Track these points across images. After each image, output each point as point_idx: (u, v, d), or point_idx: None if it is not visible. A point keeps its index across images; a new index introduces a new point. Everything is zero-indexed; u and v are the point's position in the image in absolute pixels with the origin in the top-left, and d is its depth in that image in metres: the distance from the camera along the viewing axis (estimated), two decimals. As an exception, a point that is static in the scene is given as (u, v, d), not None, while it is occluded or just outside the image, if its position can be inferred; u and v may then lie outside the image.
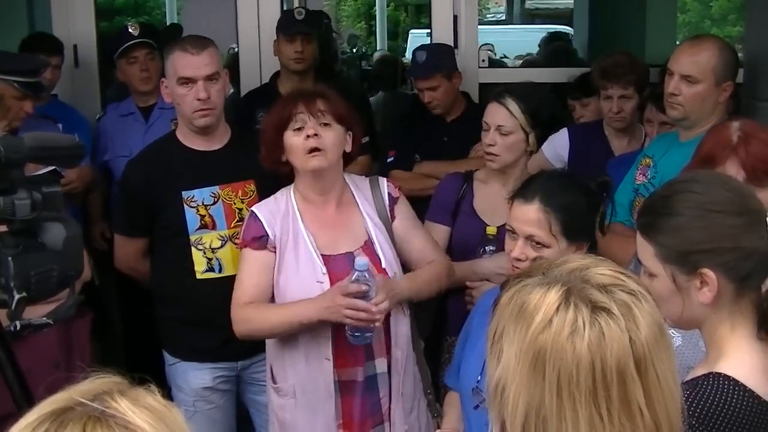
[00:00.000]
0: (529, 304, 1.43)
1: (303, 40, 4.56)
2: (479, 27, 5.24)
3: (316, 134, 2.97)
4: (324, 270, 2.98)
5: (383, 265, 3.03)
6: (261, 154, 3.12)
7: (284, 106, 3.06)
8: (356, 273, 2.83)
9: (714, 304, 1.87)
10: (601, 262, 1.49)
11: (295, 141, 2.99)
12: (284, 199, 3.10)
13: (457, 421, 2.78)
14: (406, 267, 3.18)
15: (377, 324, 2.89)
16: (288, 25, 4.62)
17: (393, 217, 3.14)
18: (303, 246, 3.02)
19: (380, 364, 3.04)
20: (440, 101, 4.50)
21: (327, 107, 3.01)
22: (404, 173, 4.43)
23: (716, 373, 1.82)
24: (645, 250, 1.94)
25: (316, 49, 4.72)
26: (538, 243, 2.61)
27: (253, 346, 3.32)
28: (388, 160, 4.58)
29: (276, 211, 3.07)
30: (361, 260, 2.86)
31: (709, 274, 1.85)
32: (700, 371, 1.86)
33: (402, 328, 3.05)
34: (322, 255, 3.01)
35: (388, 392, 3.05)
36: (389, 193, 3.16)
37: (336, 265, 3.00)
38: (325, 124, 3.00)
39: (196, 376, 3.50)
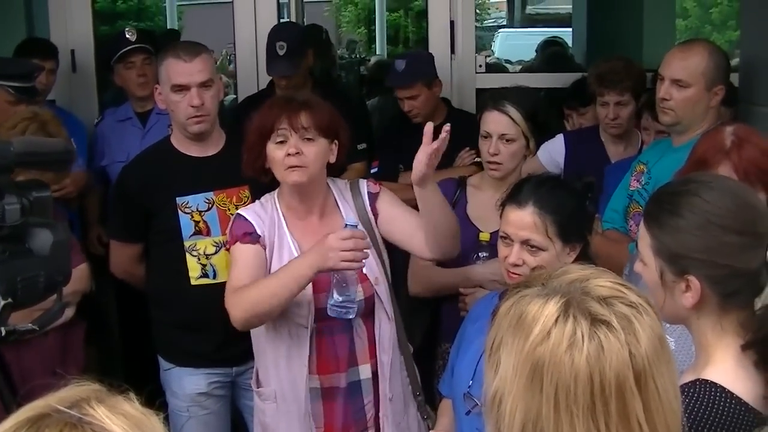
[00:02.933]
0: (528, 315, 1.42)
1: (286, 77, 4.55)
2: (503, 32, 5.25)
3: (297, 152, 2.93)
4: None
5: (364, 270, 2.99)
6: (243, 161, 3.07)
7: (267, 115, 3.00)
8: (348, 227, 2.83)
9: (696, 310, 1.87)
10: (601, 274, 1.48)
11: (277, 155, 2.95)
12: (269, 205, 3.08)
13: (448, 427, 2.78)
14: (396, 247, 3.17)
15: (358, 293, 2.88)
16: (270, 63, 4.56)
17: (376, 214, 3.10)
18: (287, 251, 3.00)
19: (364, 370, 3.02)
20: (420, 110, 4.49)
21: (310, 121, 2.95)
22: (389, 184, 4.42)
23: (703, 379, 1.82)
24: (643, 237, 1.94)
25: (306, 68, 4.67)
26: (534, 247, 2.61)
27: (248, 352, 3.32)
28: (372, 170, 4.55)
29: (263, 215, 3.05)
30: (352, 219, 2.89)
31: (694, 282, 1.85)
32: (688, 377, 1.85)
33: (386, 332, 3.03)
34: None
35: (373, 398, 3.03)
36: (369, 192, 3.13)
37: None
38: (308, 139, 2.95)
39: (190, 382, 3.50)
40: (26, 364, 3.11)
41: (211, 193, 3.45)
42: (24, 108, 3.83)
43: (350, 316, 2.90)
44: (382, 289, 3.03)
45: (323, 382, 2.99)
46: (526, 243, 2.62)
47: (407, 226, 3.09)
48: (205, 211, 3.44)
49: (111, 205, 3.83)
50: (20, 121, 3.53)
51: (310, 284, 2.89)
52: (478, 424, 2.61)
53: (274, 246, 3.02)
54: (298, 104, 2.99)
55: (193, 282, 3.44)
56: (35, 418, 1.18)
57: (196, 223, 3.44)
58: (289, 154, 2.93)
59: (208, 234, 3.44)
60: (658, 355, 1.40)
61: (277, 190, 3.10)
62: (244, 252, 2.99)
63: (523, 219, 2.62)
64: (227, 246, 3.11)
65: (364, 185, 3.16)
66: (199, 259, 3.44)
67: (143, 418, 1.21)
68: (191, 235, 3.43)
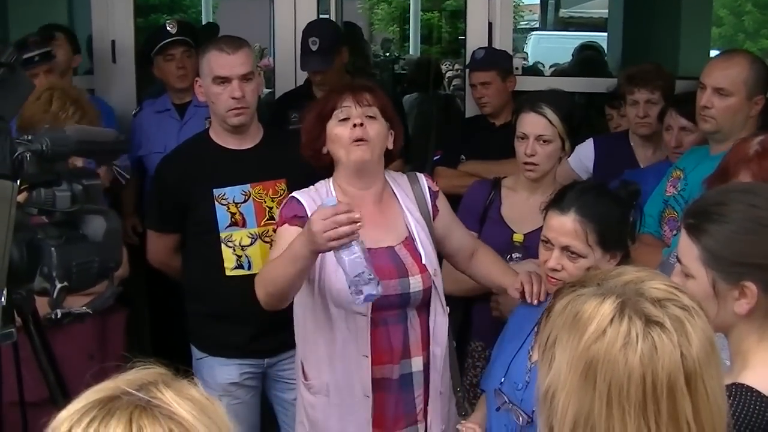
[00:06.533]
0: (584, 313, 1.45)
1: (320, 73, 4.60)
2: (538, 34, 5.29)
3: (362, 124, 2.91)
4: None
5: (423, 261, 2.96)
6: (302, 142, 3.05)
7: (329, 97, 3.02)
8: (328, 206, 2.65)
9: (747, 316, 1.89)
10: (655, 276, 1.52)
11: (339, 131, 2.93)
12: (324, 190, 3.02)
13: (481, 419, 2.81)
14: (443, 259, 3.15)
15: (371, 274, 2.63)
16: (304, 59, 4.63)
17: (436, 212, 3.09)
18: None
19: (416, 363, 2.97)
20: (491, 99, 4.61)
21: (373, 99, 2.97)
22: (448, 170, 4.50)
23: (739, 384, 1.83)
24: (689, 251, 1.94)
25: (341, 63, 4.72)
26: (573, 253, 2.62)
27: (281, 344, 3.36)
28: (435, 158, 4.74)
29: (317, 200, 2.95)
30: (331, 199, 2.71)
31: (752, 287, 1.87)
32: (724, 381, 1.87)
33: (441, 325, 2.99)
34: None
35: (423, 391, 2.99)
36: (429, 188, 3.12)
37: (378, 259, 2.86)
38: (371, 117, 2.94)
39: (222, 372, 3.53)
40: (60, 347, 3.16)
41: (248, 185, 3.48)
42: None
43: (373, 296, 2.63)
44: (439, 281, 3.00)
45: (375, 372, 2.91)
46: (566, 249, 2.63)
47: (457, 243, 3.15)
48: (242, 203, 3.47)
49: (149, 196, 3.87)
50: (43, 92, 3.44)
51: None
52: (506, 421, 2.64)
53: None
54: (361, 86, 3.04)
55: (228, 273, 3.48)
56: (106, 400, 1.20)
57: (233, 214, 3.47)
58: (354, 125, 2.91)
59: (244, 226, 3.47)
60: (708, 358, 1.44)
61: (332, 178, 3.06)
62: (288, 234, 2.90)
63: (565, 225, 2.63)
64: (275, 226, 3.06)
65: (422, 178, 3.15)
66: (234, 251, 3.47)
67: (208, 404, 1.24)
68: (227, 227, 3.47)
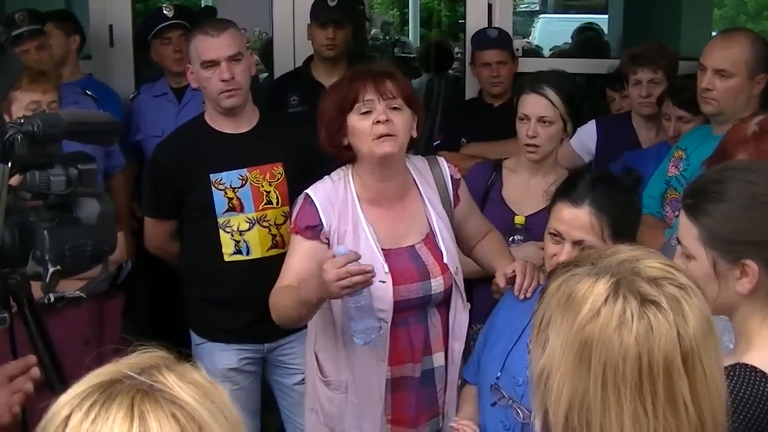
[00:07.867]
0: (578, 293, 1.43)
1: (335, 27, 4.57)
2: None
3: (387, 120, 2.75)
4: (386, 269, 2.78)
5: (445, 260, 2.89)
6: (320, 137, 2.89)
7: (350, 86, 2.82)
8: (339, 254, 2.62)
9: (750, 296, 1.86)
10: (651, 255, 1.49)
11: (362, 125, 2.77)
12: (342, 184, 2.89)
13: (472, 415, 2.71)
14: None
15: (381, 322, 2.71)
16: (320, 12, 4.63)
17: (457, 201, 3.01)
18: (363, 240, 2.82)
19: (438, 358, 2.91)
20: (504, 78, 4.63)
21: (396, 89, 2.79)
22: (450, 153, 4.47)
23: (743, 364, 1.81)
24: (688, 231, 1.92)
25: (349, 35, 4.73)
26: (587, 247, 2.50)
27: (280, 329, 3.34)
28: (435, 143, 4.73)
29: (334, 198, 2.86)
30: (341, 248, 2.66)
31: (752, 265, 1.84)
32: (727, 362, 1.84)
33: (461, 320, 2.93)
34: (382, 249, 2.82)
35: (445, 385, 2.94)
36: (451, 176, 3.01)
37: (397, 261, 2.82)
38: (395, 108, 2.78)
39: (222, 357, 3.51)
40: (55, 332, 3.13)
41: (245, 169, 3.45)
42: None
43: (375, 340, 2.71)
44: (460, 278, 2.94)
45: (394, 372, 2.86)
46: (578, 243, 2.51)
47: (473, 230, 3.10)
48: (239, 187, 3.44)
49: (145, 182, 3.84)
50: None
51: (390, 277, 2.78)
52: (502, 417, 2.56)
53: (348, 234, 2.84)
54: (382, 73, 2.85)
55: (226, 258, 3.46)
56: (107, 384, 1.18)
57: (230, 199, 3.44)
58: (378, 122, 2.75)
59: (242, 210, 3.44)
60: (706, 337, 1.41)
61: (349, 166, 2.93)
62: (300, 247, 2.87)
63: (579, 218, 2.51)
64: (291, 229, 2.96)
65: (444, 164, 3.03)
66: (232, 236, 3.45)
67: (211, 388, 1.22)
68: (225, 212, 3.44)
